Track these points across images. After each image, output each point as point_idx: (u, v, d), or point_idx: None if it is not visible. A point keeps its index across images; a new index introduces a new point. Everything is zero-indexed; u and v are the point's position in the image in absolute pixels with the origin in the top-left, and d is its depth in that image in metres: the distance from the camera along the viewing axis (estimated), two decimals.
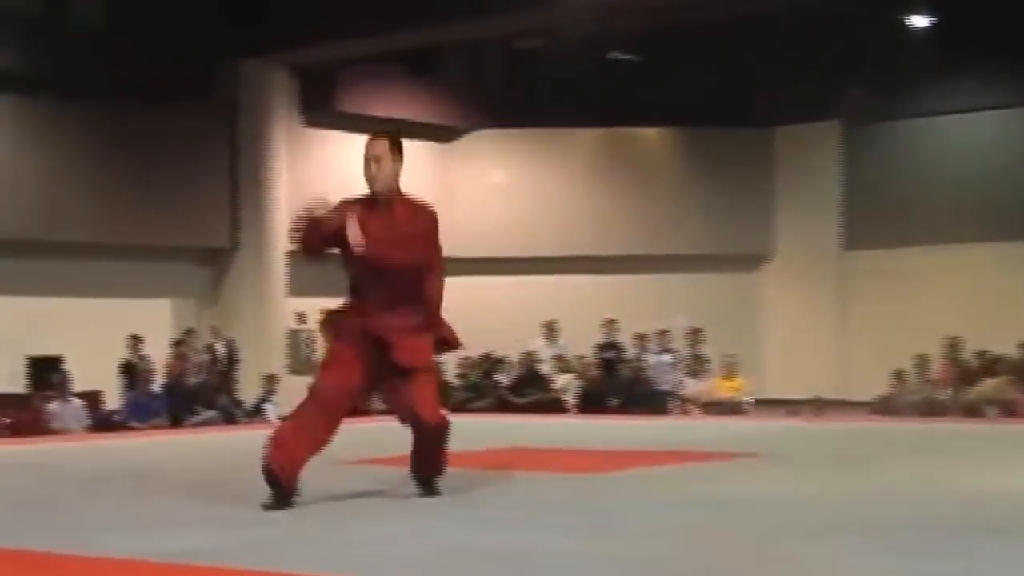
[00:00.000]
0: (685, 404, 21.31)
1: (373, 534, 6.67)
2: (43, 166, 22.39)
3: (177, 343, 22.21)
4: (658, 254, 27.31)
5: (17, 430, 18.23)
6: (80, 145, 22.75)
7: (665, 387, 21.68)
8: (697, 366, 21.72)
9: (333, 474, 8.89)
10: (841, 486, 8.76)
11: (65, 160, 22.60)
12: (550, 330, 23.12)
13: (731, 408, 20.83)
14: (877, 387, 20.81)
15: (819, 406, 21.54)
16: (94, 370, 21.05)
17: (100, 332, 22.23)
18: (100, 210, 22.77)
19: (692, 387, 21.49)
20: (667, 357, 22.11)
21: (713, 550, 6.15)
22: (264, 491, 7.62)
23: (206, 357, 22.57)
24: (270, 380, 21.58)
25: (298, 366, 23.95)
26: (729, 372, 21.53)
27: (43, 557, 6.09)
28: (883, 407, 20.15)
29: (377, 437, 9.43)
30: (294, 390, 22.40)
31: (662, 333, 22.48)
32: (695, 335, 22.37)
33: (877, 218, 26.52)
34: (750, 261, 27.99)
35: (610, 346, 22.62)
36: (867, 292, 26.75)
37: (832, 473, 9.79)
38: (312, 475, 7.77)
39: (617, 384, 21.81)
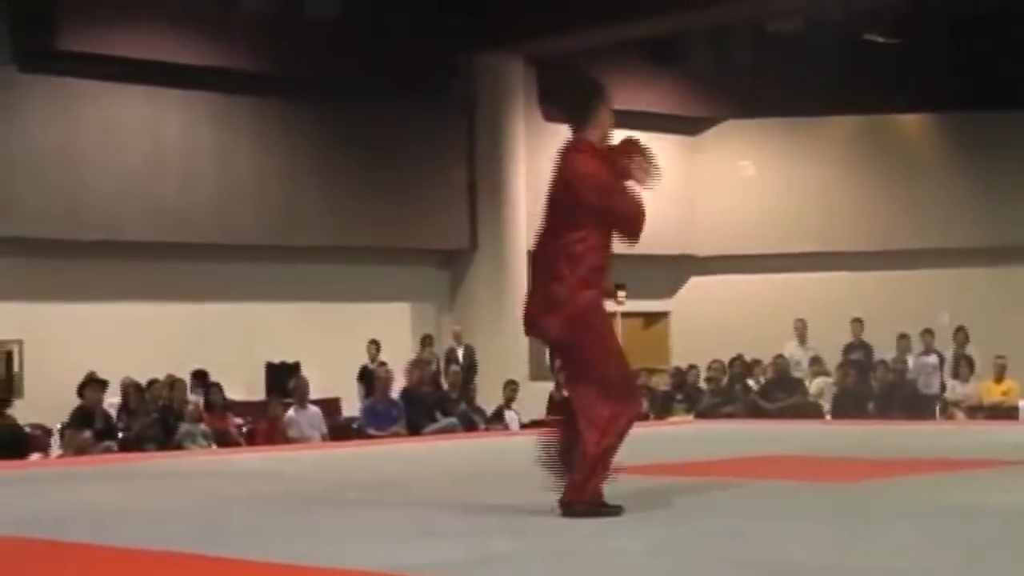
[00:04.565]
0: (950, 409, 20.56)
1: (608, 547, 6.41)
2: (280, 167, 22.38)
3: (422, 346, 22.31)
4: (920, 248, 26.20)
5: (254, 437, 18.32)
6: (315, 144, 22.65)
7: (929, 390, 20.74)
8: (963, 367, 20.61)
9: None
10: None
11: (301, 161, 22.54)
12: (802, 331, 22.27)
13: (1001, 413, 20.02)
14: None
15: None
16: (332, 376, 21.09)
17: (338, 337, 22.30)
18: (336, 212, 22.63)
19: (958, 390, 20.51)
20: (931, 358, 21.36)
21: (983, 567, 5.87)
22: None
23: (446, 363, 22.07)
24: (511, 386, 21.07)
25: (540, 371, 23.36)
26: (999, 374, 20.77)
27: (294, 569, 6.09)
28: None
29: None
30: (536, 396, 22.13)
31: (926, 333, 21.48)
32: (961, 334, 21.38)
33: None
34: (1021, 253, 26.41)
35: (857, 347, 21.74)
36: None
37: None
38: (546, 485, 7.57)
39: (875, 387, 20.99)
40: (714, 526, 7.01)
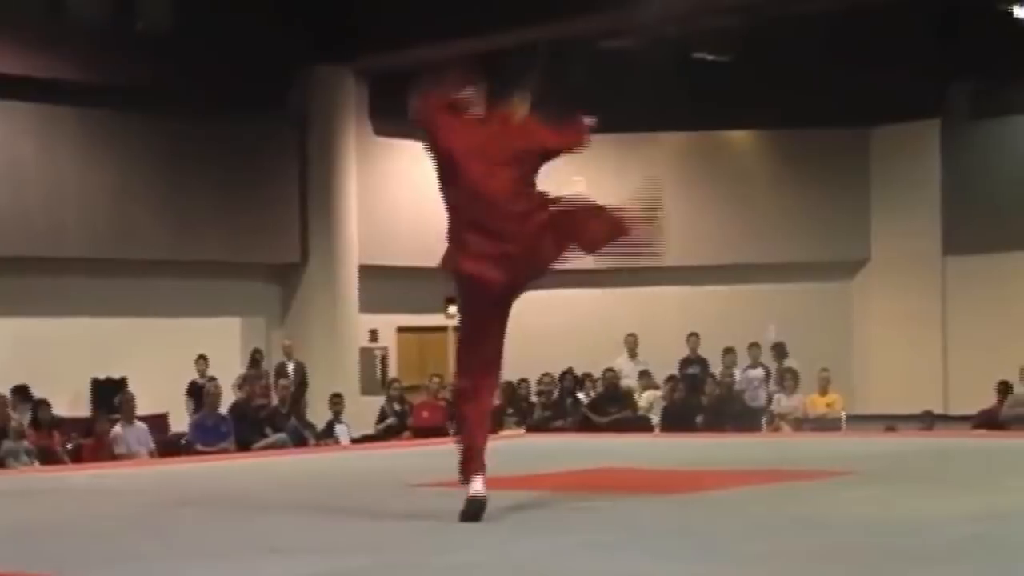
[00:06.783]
0: (777, 421, 20.78)
1: (462, 561, 6.47)
2: (107, 179, 22.10)
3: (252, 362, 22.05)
4: (747, 263, 26.54)
5: (80, 454, 18.03)
6: (145, 157, 22.38)
7: (756, 403, 21.02)
8: (788, 381, 20.98)
9: (408, 498, 8.69)
10: (945, 507, 8.33)
11: (130, 173, 22.27)
12: (633, 345, 22.47)
13: (826, 424, 20.31)
14: (981, 400, 20.56)
15: (926, 421, 20.72)
16: (160, 392, 20.88)
17: (166, 352, 22.06)
18: (165, 225, 22.38)
19: (784, 403, 20.79)
20: (757, 372, 21.60)
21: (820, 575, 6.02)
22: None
23: (277, 378, 21.90)
24: (336, 400, 21.11)
25: (371, 386, 23.32)
26: (823, 387, 21.12)
27: None
28: (988, 421, 19.80)
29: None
30: (366, 411, 22.08)
31: (752, 346, 21.78)
32: (778, 348, 21.72)
33: (980, 221, 25.57)
34: (845, 268, 27.11)
35: (694, 361, 21.95)
36: (970, 299, 25.84)
37: (934, 493, 9.33)
38: (387, 499, 7.90)
39: (704, 401, 21.20)
40: (566, 540, 7.02)
